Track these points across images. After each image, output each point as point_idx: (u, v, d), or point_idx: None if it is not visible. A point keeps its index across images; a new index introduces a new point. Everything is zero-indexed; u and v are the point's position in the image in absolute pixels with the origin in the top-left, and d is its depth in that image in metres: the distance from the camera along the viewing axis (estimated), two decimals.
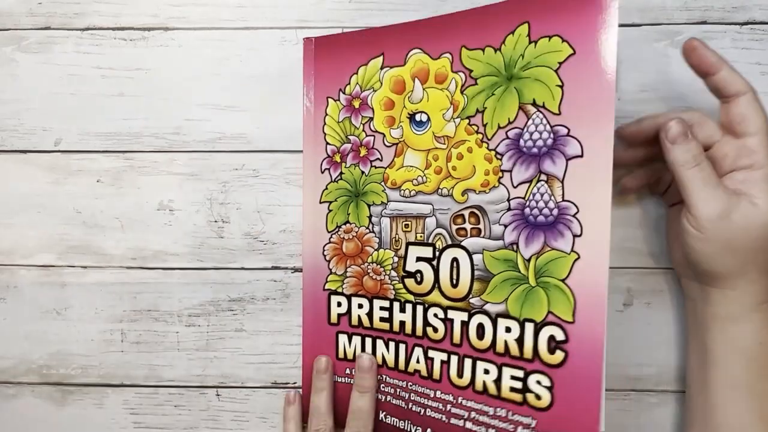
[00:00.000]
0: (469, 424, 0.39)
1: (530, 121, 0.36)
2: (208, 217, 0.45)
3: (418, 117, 0.40)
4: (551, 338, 0.35)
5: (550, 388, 0.36)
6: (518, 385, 0.37)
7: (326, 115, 0.43)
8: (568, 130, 0.35)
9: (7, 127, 0.45)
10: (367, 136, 0.42)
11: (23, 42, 0.45)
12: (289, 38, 0.44)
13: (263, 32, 0.45)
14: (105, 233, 0.46)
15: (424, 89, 0.40)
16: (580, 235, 0.34)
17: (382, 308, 0.42)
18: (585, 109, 0.34)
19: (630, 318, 0.44)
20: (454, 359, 0.40)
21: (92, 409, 0.47)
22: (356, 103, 0.42)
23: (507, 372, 0.37)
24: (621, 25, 0.42)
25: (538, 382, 0.36)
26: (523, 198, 0.36)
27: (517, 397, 0.37)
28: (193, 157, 0.45)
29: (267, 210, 0.45)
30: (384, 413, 0.42)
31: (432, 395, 0.41)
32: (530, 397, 0.36)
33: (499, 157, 0.37)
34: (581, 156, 0.34)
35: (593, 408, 0.34)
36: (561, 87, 0.35)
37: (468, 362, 0.39)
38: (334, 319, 0.43)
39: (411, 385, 0.41)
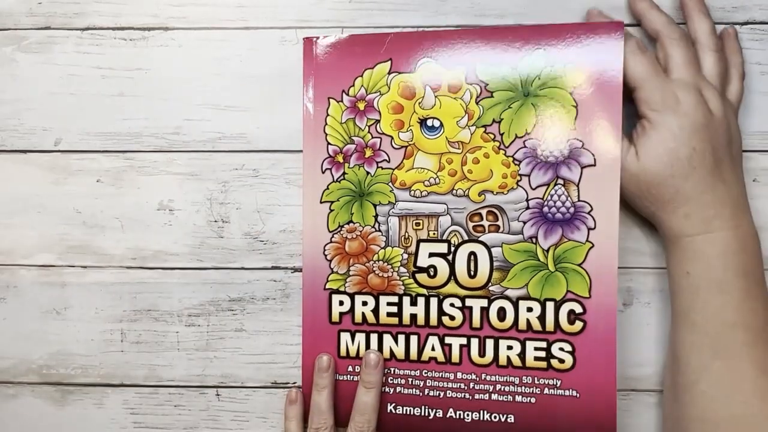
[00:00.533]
0: (495, 396, 0.42)
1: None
2: (208, 217, 0.45)
3: (429, 122, 0.42)
4: (571, 312, 0.41)
5: (571, 353, 0.41)
6: (542, 354, 0.41)
7: (328, 115, 0.43)
8: (582, 143, 0.40)
9: (7, 127, 0.45)
10: (373, 137, 0.42)
11: (23, 42, 0.45)
12: (289, 38, 0.44)
13: (263, 32, 0.45)
14: (105, 233, 0.46)
15: (436, 96, 0.41)
16: (593, 228, 0.40)
17: (389, 304, 0.43)
18: (597, 125, 0.39)
19: (630, 318, 0.44)
20: (474, 341, 0.42)
21: (92, 409, 0.47)
22: (361, 105, 0.42)
23: (530, 345, 0.41)
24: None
25: (561, 349, 0.41)
26: (542, 198, 0.41)
27: (542, 364, 0.41)
28: (193, 157, 0.45)
29: (267, 210, 0.45)
30: (393, 404, 0.43)
31: (452, 377, 0.42)
32: (554, 362, 0.41)
33: (516, 162, 0.41)
34: (594, 165, 0.40)
35: (610, 362, 0.40)
36: (575, 107, 0.40)
37: (490, 342, 0.42)
38: (335, 317, 0.43)
39: (426, 372, 0.43)
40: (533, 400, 0.41)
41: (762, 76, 0.42)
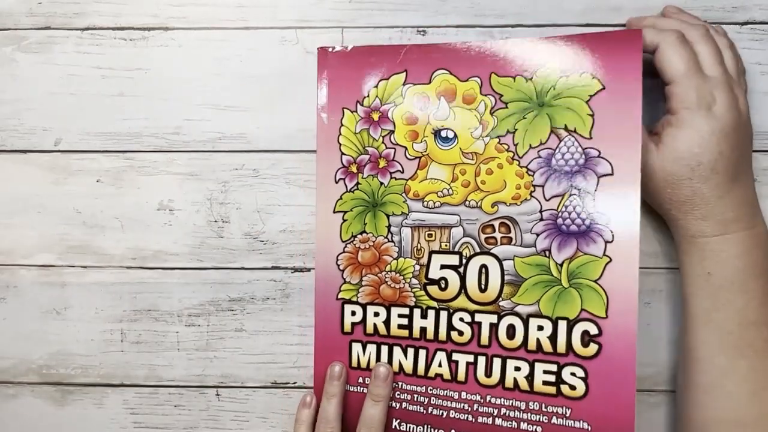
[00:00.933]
0: (499, 421, 0.40)
1: (562, 143, 0.39)
2: (208, 217, 0.45)
3: (444, 133, 0.41)
4: (585, 333, 0.38)
5: (584, 379, 0.38)
6: (551, 378, 0.39)
7: (342, 125, 0.43)
8: (599, 152, 0.38)
9: (7, 127, 0.45)
10: (387, 148, 0.42)
11: (23, 42, 0.45)
12: (289, 38, 0.44)
13: (263, 32, 0.45)
14: (105, 233, 0.46)
15: (450, 108, 0.41)
16: (611, 241, 0.37)
17: (400, 315, 0.42)
18: (614, 135, 0.37)
19: None
20: (481, 360, 0.41)
21: (92, 409, 0.47)
22: (375, 116, 0.42)
23: (539, 367, 0.39)
24: (621, 25, 0.42)
25: (573, 374, 0.38)
26: (556, 210, 0.39)
27: (551, 389, 0.39)
28: (193, 157, 0.45)
29: (267, 210, 0.45)
30: (398, 420, 0.43)
31: (456, 397, 0.41)
32: (564, 388, 0.39)
33: (530, 173, 0.39)
34: (611, 174, 0.37)
35: (628, 393, 0.37)
36: (591, 116, 0.38)
37: (497, 362, 0.40)
38: (347, 328, 0.43)
39: (431, 389, 0.42)
40: (539, 429, 0.39)
41: (762, 76, 0.42)
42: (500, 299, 0.40)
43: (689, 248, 0.38)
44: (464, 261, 0.41)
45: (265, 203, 0.45)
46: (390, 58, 0.41)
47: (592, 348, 0.38)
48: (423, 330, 0.42)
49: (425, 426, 0.42)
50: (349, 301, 0.43)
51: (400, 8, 0.44)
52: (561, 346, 0.39)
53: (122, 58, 0.45)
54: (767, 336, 0.36)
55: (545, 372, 0.39)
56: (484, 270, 0.40)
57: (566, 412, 0.39)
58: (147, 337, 0.46)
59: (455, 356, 0.41)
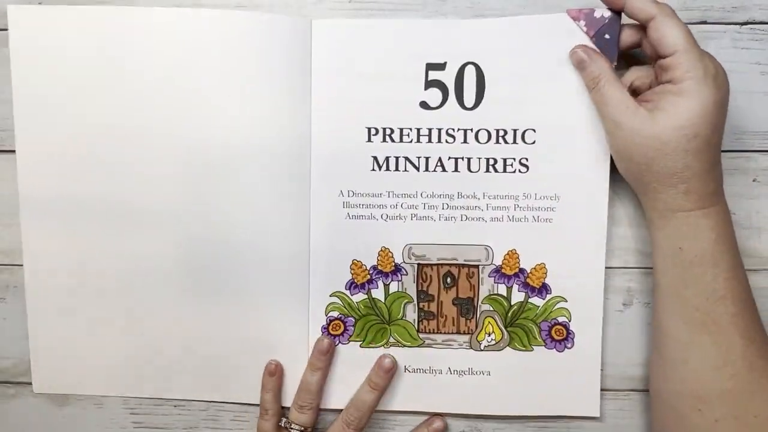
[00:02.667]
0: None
1: None
2: None
3: None
4: None
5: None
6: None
7: None
8: None
9: (8, 127, 0.45)
10: None
11: None
12: None
13: None
14: None
15: None
16: None
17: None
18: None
19: (630, 318, 0.44)
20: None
21: (92, 409, 0.47)
22: None
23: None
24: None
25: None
26: None
27: None
28: None
29: None
30: None
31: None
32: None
33: None
34: None
35: None
36: None
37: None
38: None
39: None
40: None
41: (762, 76, 0.42)
42: None
43: (664, 223, 0.38)
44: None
45: None
46: None
47: None
48: None
49: None
50: None
51: (400, 8, 0.44)
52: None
53: None
54: (733, 311, 0.36)
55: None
56: None
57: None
58: None
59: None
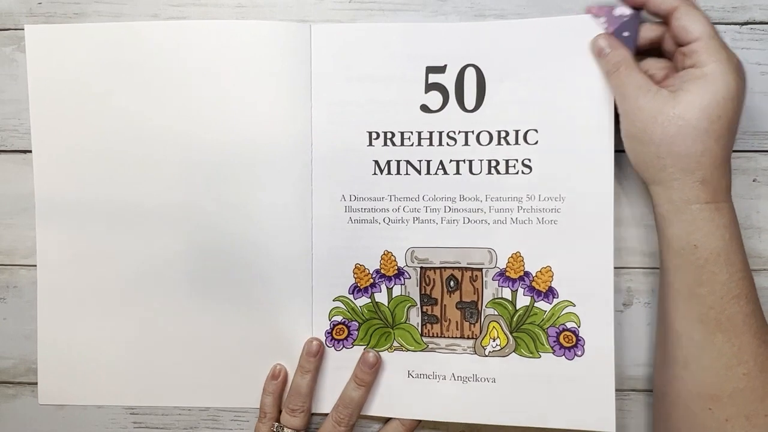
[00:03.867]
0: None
1: None
2: None
3: None
4: None
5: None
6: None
7: None
8: None
9: (8, 127, 0.45)
10: None
11: (23, 42, 0.45)
12: None
13: None
14: None
15: None
16: None
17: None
18: None
19: (630, 318, 0.44)
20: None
21: (92, 409, 0.46)
22: None
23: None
24: None
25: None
26: None
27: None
28: None
29: None
30: None
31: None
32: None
33: None
34: None
35: None
36: None
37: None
38: None
39: None
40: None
41: (762, 76, 0.42)
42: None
43: (676, 218, 0.37)
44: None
45: None
46: None
47: None
48: None
49: None
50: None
51: (400, 8, 0.44)
52: None
53: None
54: (747, 311, 0.36)
55: None
56: None
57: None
58: None
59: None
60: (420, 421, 0.43)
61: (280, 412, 0.44)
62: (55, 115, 0.44)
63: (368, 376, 0.42)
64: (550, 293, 0.42)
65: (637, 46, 0.39)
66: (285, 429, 0.42)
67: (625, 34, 0.39)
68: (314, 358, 0.43)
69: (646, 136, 0.37)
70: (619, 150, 0.42)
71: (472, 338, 0.43)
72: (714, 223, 0.36)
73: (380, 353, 0.43)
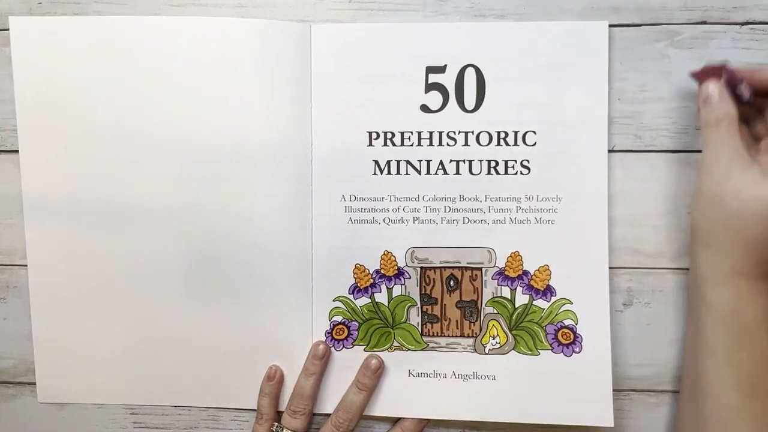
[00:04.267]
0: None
1: None
2: None
3: None
4: None
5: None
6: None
7: None
8: None
9: (7, 127, 0.45)
10: None
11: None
12: None
13: None
14: None
15: None
16: None
17: None
18: None
19: (630, 318, 0.44)
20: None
21: (92, 409, 0.47)
22: None
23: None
24: (620, 25, 0.42)
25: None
26: None
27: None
28: None
29: None
30: None
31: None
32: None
33: None
34: None
35: None
36: None
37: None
38: None
39: None
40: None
41: None
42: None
43: (723, 284, 0.37)
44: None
45: None
46: None
47: None
48: None
49: None
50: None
51: (400, 8, 0.44)
52: None
53: None
54: None
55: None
56: None
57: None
58: None
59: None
60: (428, 421, 0.43)
61: (277, 413, 0.44)
62: (43, 112, 0.43)
63: (371, 381, 0.42)
64: (548, 291, 0.42)
65: (748, 101, 0.38)
66: (285, 430, 0.42)
67: (738, 93, 0.37)
68: (320, 361, 0.43)
69: (722, 204, 0.36)
70: (612, 150, 0.42)
71: (472, 337, 0.43)
72: (759, 292, 0.37)
73: (380, 353, 0.43)
